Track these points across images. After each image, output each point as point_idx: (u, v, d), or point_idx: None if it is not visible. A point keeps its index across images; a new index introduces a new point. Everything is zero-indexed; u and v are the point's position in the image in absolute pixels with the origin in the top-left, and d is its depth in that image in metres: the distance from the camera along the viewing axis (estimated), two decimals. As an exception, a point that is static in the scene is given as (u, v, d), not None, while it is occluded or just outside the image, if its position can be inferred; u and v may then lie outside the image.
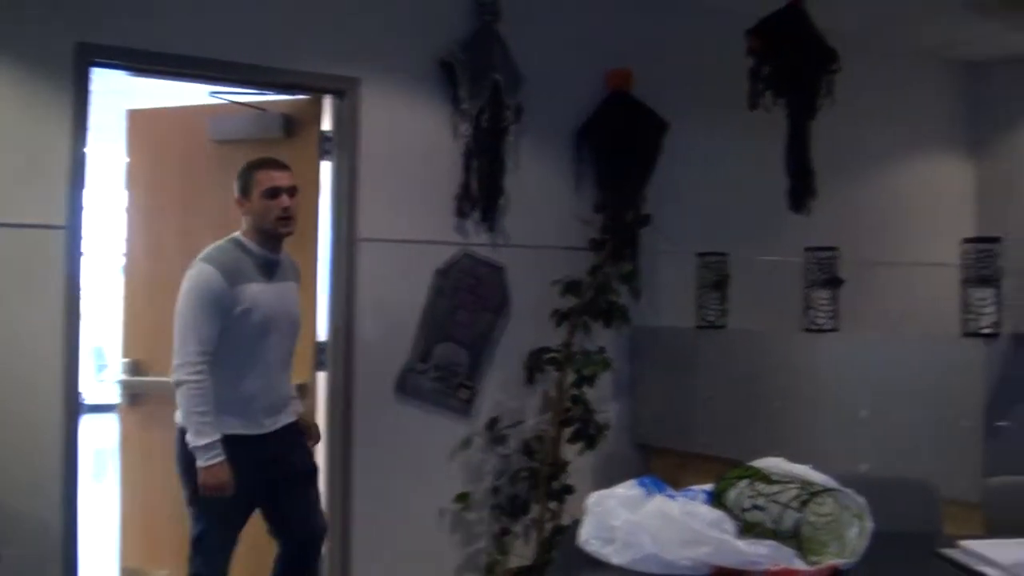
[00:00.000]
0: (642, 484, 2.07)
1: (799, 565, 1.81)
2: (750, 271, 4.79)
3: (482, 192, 4.49)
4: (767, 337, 4.46)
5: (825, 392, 4.03)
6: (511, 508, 4.52)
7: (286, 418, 3.45)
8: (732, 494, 2.00)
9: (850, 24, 5.28)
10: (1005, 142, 6.44)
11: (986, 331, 3.47)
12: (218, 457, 3.14)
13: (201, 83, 4.17)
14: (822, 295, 4.11)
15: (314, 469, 3.60)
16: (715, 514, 1.91)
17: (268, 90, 4.25)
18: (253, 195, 3.32)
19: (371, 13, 4.31)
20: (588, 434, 4.53)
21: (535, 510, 4.49)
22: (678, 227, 4.91)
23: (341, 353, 4.23)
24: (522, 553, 4.53)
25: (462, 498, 4.45)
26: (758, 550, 1.81)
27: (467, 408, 4.53)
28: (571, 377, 4.52)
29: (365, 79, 4.27)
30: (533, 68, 4.58)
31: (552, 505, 4.49)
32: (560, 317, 4.54)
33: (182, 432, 3.21)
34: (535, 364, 4.54)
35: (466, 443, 4.50)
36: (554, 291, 4.53)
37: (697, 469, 4.28)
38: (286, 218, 3.34)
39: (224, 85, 4.21)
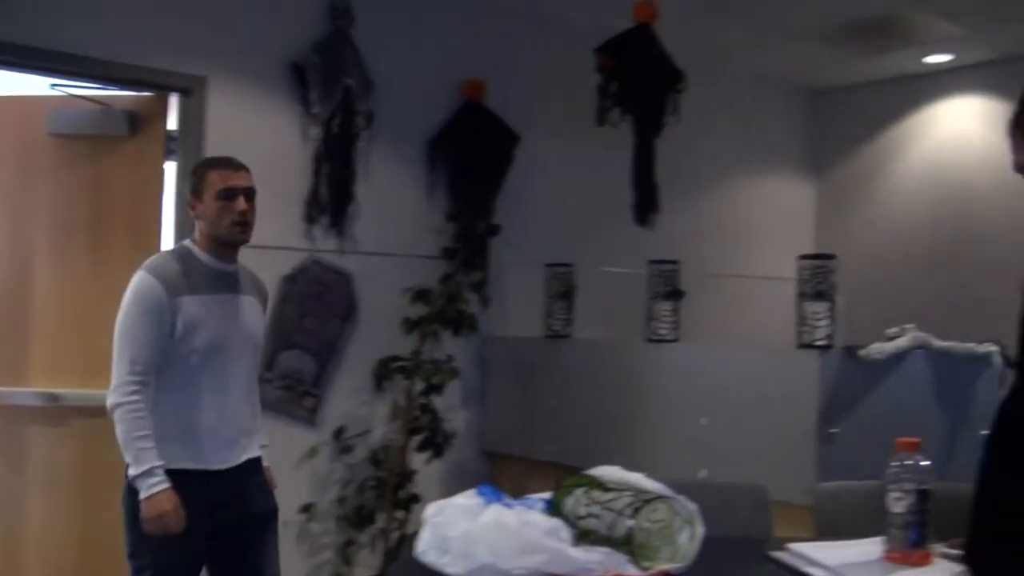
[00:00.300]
0: (481, 493, 2.07)
1: (631, 571, 1.84)
2: (596, 282, 4.87)
3: (331, 198, 4.44)
4: (611, 347, 4.55)
5: (667, 401, 4.13)
6: (357, 518, 4.46)
7: (246, 453, 3.00)
8: (569, 502, 2.02)
9: (702, 47, 5.47)
10: (844, 165, 6.78)
11: (820, 343, 3.62)
12: (161, 485, 2.71)
13: (42, 75, 3.97)
14: (664, 307, 4.21)
15: (273, 511, 3.15)
16: (551, 523, 1.93)
17: (112, 85, 4.08)
18: (206, 197, 2.93)
19: (221, 11, 4.20)
20: (436, 443, 4.54)
21: (382, 520, 4.46)
22: (527, 238, 4.97)
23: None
24: (368, 564, 4.48)
25: (307, 509, 4.37)
26: (591, 557, 1.83)
27: (312, 417, 4.46)
28: (420, 385, 4.51)
29: (213, 78, 4.16)
30: (386, 75, 4.56)
31: (399, 515, 4.46)
32: (410, 325, 4.53)
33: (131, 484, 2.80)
34: (384, 372, 4.52)
35: (312, 452, 4.42)
36: (404, 299, 4.51)
37: (543, 476, 4.31)
38: (243, 224, 2.93)
39: (66, 78, 4.02)
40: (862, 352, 3.55)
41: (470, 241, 4.71)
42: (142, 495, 2.70)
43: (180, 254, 2.96)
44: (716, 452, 3.84)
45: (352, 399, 4.57)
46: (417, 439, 4.50)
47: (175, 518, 2.72)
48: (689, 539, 1.94)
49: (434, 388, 4.51)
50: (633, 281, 4.42)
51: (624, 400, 4.28)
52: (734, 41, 5.61)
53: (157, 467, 2.72)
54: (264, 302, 3.16)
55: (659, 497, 1.95)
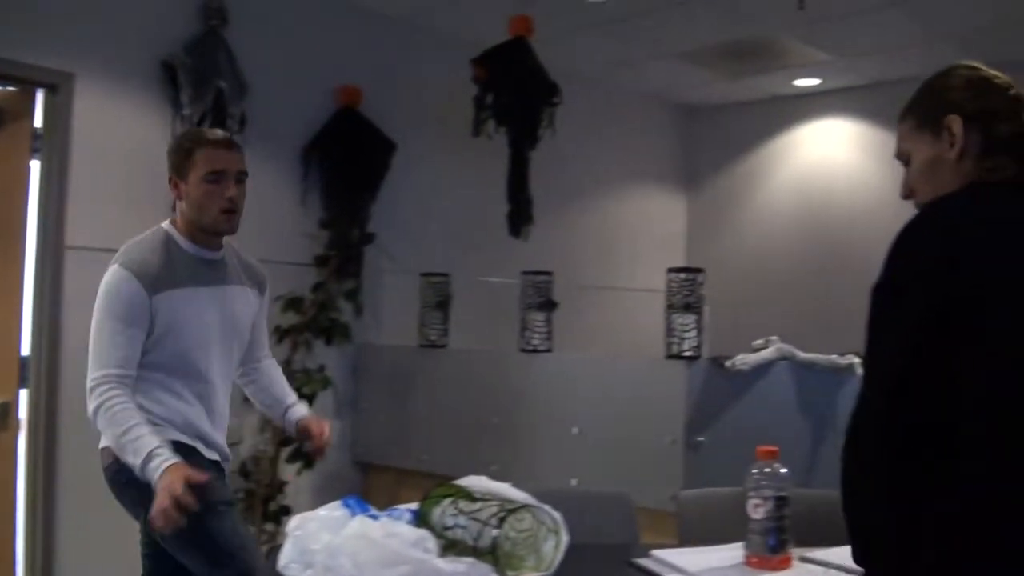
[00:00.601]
0: (346, 505, 2.04)
1: None
2: (472, 292, 4.88)
3: (202, 202, 4.31)
4: (486, 357, 4.55)
5: (540, 410, 4.16)
6: (225, 531, 4.35)
7: (220, 450, 2.73)
8: (436, 513, 2.01)
9: (579, 63, 5.55)
10: (715, 181, 6.96)
11: (688, 354, 3.69)
12: (169, 460, 2.34)
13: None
14: (537, 317, 4.24)
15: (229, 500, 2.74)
16: (416, 533, 1.91)
17: (-25, 79, 3.90)
18: (191, 178, 2.60)
19: (91, 7, 4.04)
20: (306, 454, 4.45)
21: (251, 533, 4.35)
22: (403, 246, 4.95)
23: (45, 370, 3.92)
24: (235, 578, 4.36)
25: (173, 522, 4.23)
26: (456, 568, 1.82)
27: (180, 427, 4.33)
28: (292, 395, 4.43)
29: (80, 75, 4.00)
30: (261, 78, 4.47)
31: (269, 527, 4.37)
32: (281, 334, 4.45)
33: (113, 468, 2.53)
34: (254, 382, 4.42)
35: (179, 464, 4.29)
36: (276, 307, 4.42)
37: (416, 486, 4.28)
38: (230, 211, 2.61)
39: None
40: (728, 363, 3.63)
41: (344, 249, 4.65)
42: (154, 482, 2.30)
43: (159, 241, 2.63)
44: (587, 461, 3.88)
45: (221, 409, 4.46)
46: (288, 450, 4.42)
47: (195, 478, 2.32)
48: (554, 547, 1.95)
49: (306, 398, 4.43)
50: (508, 291, 4.44)
51: (498, 409, 4.29)
52: (611, 58, 5.72)
53: (158, 448, 2.36)
54: (261, 289, 2.87)
55: (524, 506, 1.95)
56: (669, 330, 3.72)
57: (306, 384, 4.42)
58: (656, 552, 2.13)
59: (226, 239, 2.74)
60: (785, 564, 2.05)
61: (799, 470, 3.74)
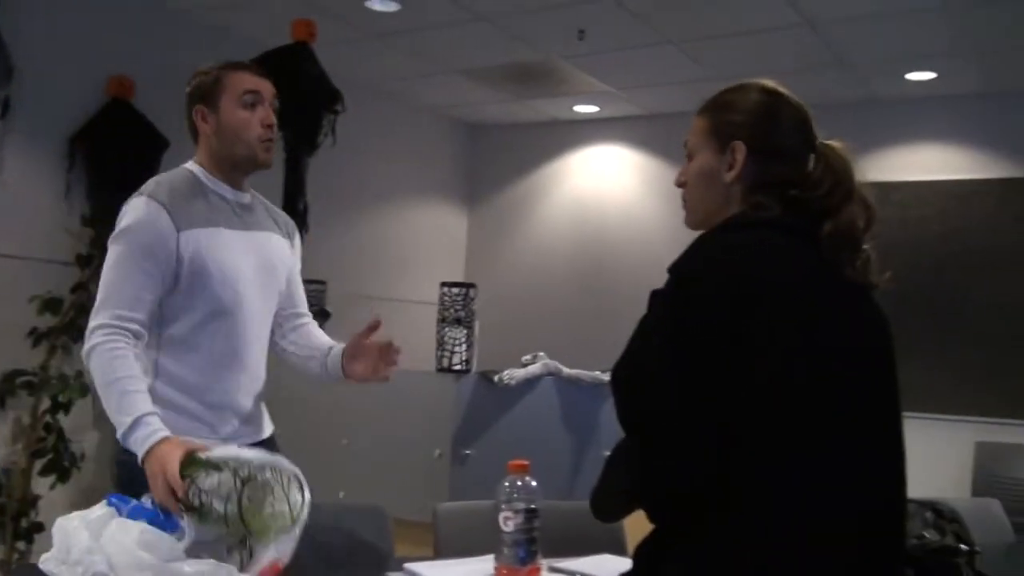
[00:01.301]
0: (110, 504, 1.93)
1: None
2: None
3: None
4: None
5: (309, 422, 4.10)
6: (-29, 549, 4.07)
7: (266, 428, 2.46)
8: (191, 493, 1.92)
9: (367, 73, 5.54)
10: (496, 198, 7.09)
11: (457, 367, 3.74)
12: (160, 433, 1.98)
13: None
14: (310, 326, 4.19)
15: None
16: (164, 536, 1.84)
17: None
18: (223, 103, 2.30)
19: None
20: (62, 466, 4.22)
21: (1, 551, 4.07)
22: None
23: None
24: (-20, 598, 4.08)
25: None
26: (199, 569, 1.77)
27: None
28: (46, 403, 4.19)
29: None
30: (30, 62, 4.23)
31: (20, 545, 4.12)
32: (37, 337, 4.20)
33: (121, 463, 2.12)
34: (7, 388, 4.17)
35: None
36: (31, 308, 4.17)
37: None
38: (268, 140, 2.32)
39: None
40: (496, 377, 3.71)
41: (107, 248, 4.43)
42: (140, 455, 1.97)
43: (182, 179, 2.29)
44: (356, 473, 3.86)
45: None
46: (41, 462, 4.19)
47: (172, 473, 1.92)
48: (300, 503, 1.88)
49: (61, 406, 4.20)
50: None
51: (272, 421, 4.20)
52: (397, 70, 5.74)
53: (148, 415, 2.02)
54: (292, 239, 2.51)
55: (260, 468, 1.90)
56: (440, 343, 3.77)
57: (62, 391, 4.19)
58: (408, 565, 2.14)
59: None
60: (534, 575, 2.10)
61: (562, 482, 3.87)
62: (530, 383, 3.83)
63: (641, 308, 1.58)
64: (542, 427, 3.87)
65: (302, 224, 4.56)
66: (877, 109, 5.78)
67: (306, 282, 4.18)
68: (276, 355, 2.54)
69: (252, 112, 2.30)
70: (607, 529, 2.41)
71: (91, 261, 4.37)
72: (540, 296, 6.70)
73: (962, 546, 2.59)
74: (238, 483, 1.86)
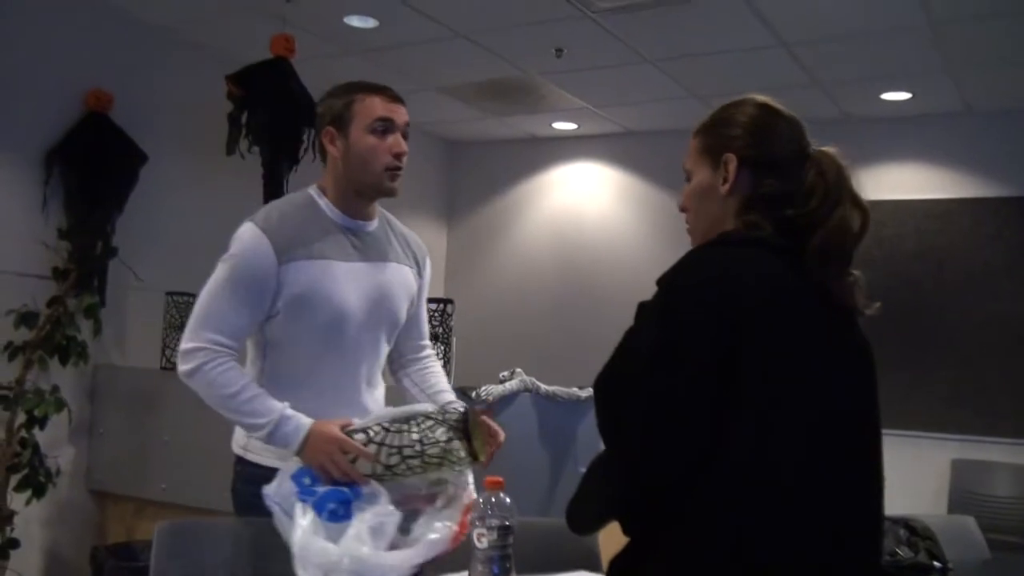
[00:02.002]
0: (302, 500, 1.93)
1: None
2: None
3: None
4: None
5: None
6: (-56, 567, 4.02)
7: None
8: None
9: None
10: (475, 214, 7.11)
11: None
12: (306, 422, 2.08)
13: None
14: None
15: None
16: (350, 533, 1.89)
17: None
18: (352, 128, 2.27)
19: None
20: (37, 481, 4.18)
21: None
22: (149, 263, 4.73)
23: None
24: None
25: None
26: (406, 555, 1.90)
27: None
28: (21, 418, 4.16)
29: None
30: (7, 73, 4.23)
31: (-5, 560, 4.07)
32: (12, 351, 4.17)
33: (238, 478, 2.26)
34: (-19, 402, 4.12)
35: None
36: (7, 322, 4.14)
37: (155, 517, 4.10)
38: (396, 169, 2.28)
39: None
40: (474, 393, 3.70)
41: (85, 262, 4.40)
42: (295, 447, 2.05)
43: (302, 205, 2.31)
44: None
45: (-60, 431, 4.13)
46: (16, 477, 4.15)
47: (339, 449, 2.02)
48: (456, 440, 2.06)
49: (37, 421, 4.17)
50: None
51: (243, 436, 4.18)
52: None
53: (286, 410, 2.10)
54: (420, 267, 2.49)
55: (412, 416, 2.04)
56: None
57: (38, 406, 4.15)
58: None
59: (380, 209, 2.43)
60: (509, 591, 2.10)
61: (538, 498, 3.87)
62: (507, 399, 3.83)
63: (618, 324, 1.59)
64: (519, 444, 3.86)
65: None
66: (853, 128, 5.83)
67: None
68: (396, 383, 2.59)
69: (382, 139, 2.27)
70: (582, 546, 2.41)
71: (68, 275, 4.35)
72: (518, 312, 6.72)
73: (935, 563, 2.62)
74: (414, 432, 1.98)
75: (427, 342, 2.63)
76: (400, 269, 2.39)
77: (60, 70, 4.50)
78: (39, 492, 4.20)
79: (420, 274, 2.48)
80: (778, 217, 1.61)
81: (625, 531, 1.59)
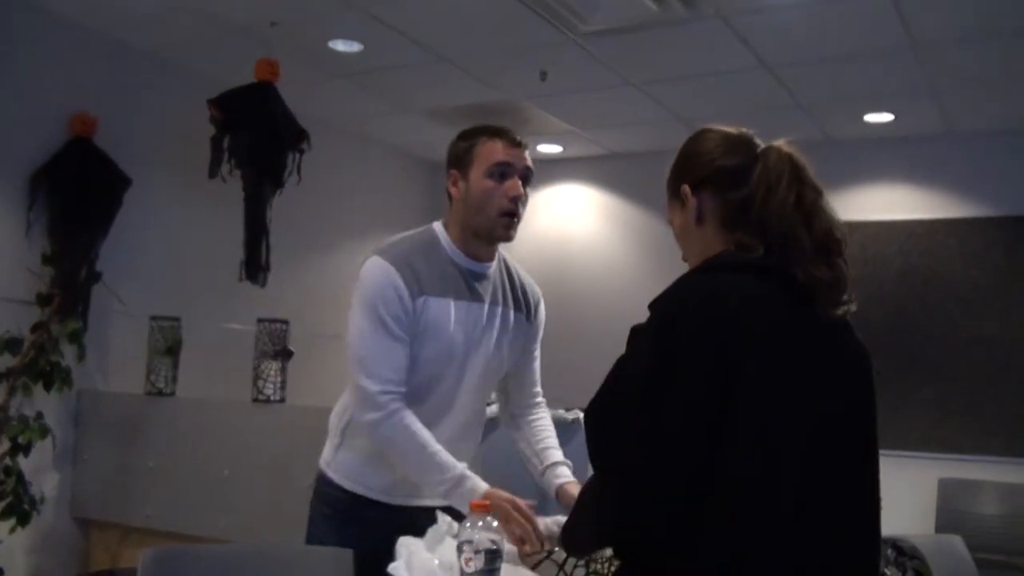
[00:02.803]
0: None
1: None
2: (206, 338, 4.72)
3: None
4: (215, 406, 4.38)
5: (273, 461, 4.06)
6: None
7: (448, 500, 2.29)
8: None
9: (330, 112, 5.56)
10: (459, 236, 7.10)
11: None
12: (481, 484, 2.20)
13: None
14: (272, 365, 4.16)
15: None
16: None
17: None
18: (472, 172, 2.32)
19: None
20: (21, 509, 4.14)
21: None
22: (133, 287, 4.70)
23: None
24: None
25: None
26: None
27: None
28: (5, 445, 4.12)
29: None
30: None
31: (-23, 591, 4.02)
32: (-3, 377, 4.15)
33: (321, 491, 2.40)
34: (-36, 430, 4.09)
35: None
36: (-10, 349, 4.12)
37: (140, 544, 4.08)
38: (511, 214, 2.30)
39: None
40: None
41: (69, 287, 4.37)
42: (468, 506, 2.05)
43: (424, 241, 2.35)
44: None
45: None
46: (0, 505, 4.10)
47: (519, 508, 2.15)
48: None
49: (21, 448, 4.13)
50: (243, 338, 4.33)
51: (228, 461, 4.15)
52: (360, 109, 5.76)
53: (466, 471, 2.20)
54: (531, 314, 2.55)
55: None
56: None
57: (22, 433, 4.12)
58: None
59: (501, 253, 2.47)
60: (496, 615, 2.09)
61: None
62: (494, 422, 3.81)
63: (604, 346, 1.59)
64: (505, 466, 3.84)
65: (263, 265, 4.55)
66: (835, 150, 5.86)
67: (269, 321, 4.20)
68: (510, 437, 2.67)
69: (500, 183, 2.30)
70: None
71: (52, 300, 4.31)
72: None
73: (922, 583, 2.62)
74: None
75: (539, 390, 2.69)
76: (511, 314, 2.45)
77: (45, 94, 4.49)
78: (23, 520, 4.15)
79: (530, 320, 2.55)
80: (762, 230, 1.61)
81: (618, 555, 1.58)
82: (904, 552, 2.64)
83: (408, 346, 2.24)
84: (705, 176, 1.68)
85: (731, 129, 1.74)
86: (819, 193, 1.61)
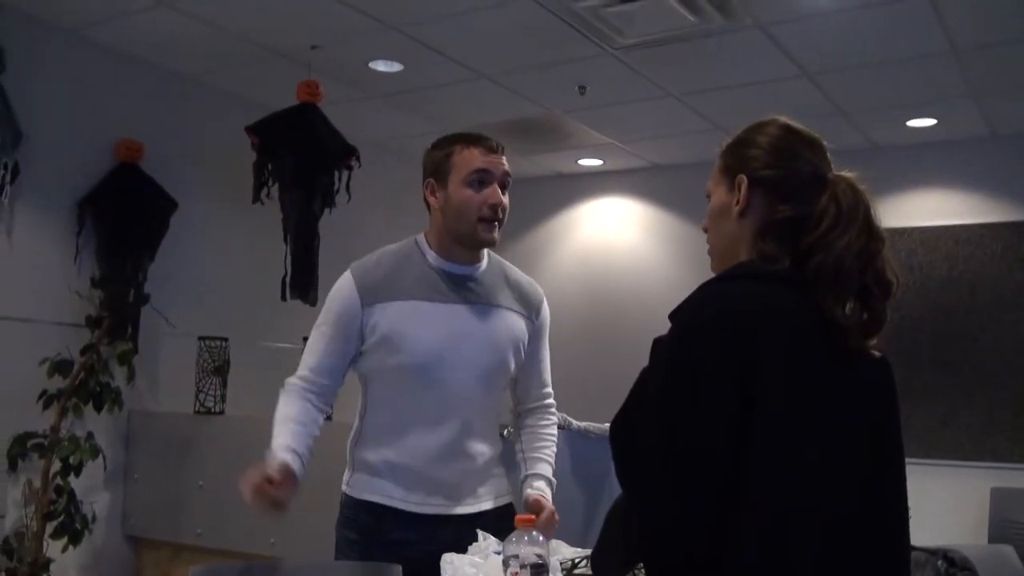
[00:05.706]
0: None
1: None
2: (253, 357, 4.77)
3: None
4: (264, 424, 4.40)
5: (321, 479, 4.07)
6: (-17, 615, 4.04)
7: (471, 503, 2.38)
8: None
9: (373, 131, 5.61)
10: (501, 252, 6.84)
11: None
12: (277, 457, 2.30)
13: None
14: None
15: None
16: None
17: None
18: (451, 180, 2.34)
19: None
20: (74, 528, 4.21)
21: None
22: (181, 309, 4.77)
23: None
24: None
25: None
26: None
27: (-73, 500, 4.01)
28: (57, 465, 4.19)
29: None
30: (38, 127, 4.29)
31: (32, 611, 4.08)
32: (48, 399, 4.22)
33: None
34: (18, 451, 4.15)
35: (-73, 541, 3.96)
36: (42, 370, 4.19)
37: (191, 561, 4.13)
38: (491, 220, 2.34)
39: None
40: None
41: (118, 310, 4.46)
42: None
43: (400, 251, 2.44)
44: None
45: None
46: (53, 524, 4.18)
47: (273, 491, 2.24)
48: None
49: (72, 468, 4.20)
50: (290, 357, 4.36)
51: (276, 479, 4.18)
52: (403, 129, 5.79)
53: (281, 456, 2.30)
54: (531, 314, 2.55)
55: None
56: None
57: (73, 453, 4.19)
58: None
59: (495, 255, 2.53)
60: (543, 630, 2.09)
61: (573, 536, 3.83)
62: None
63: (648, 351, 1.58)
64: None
65: (312, 284, 4.59)
66: (879, 156, 5.81)
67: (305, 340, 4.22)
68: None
69: (478, 191, 2.32)
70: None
71: (101, 323, 4.40)
72: (549, 348, 6.70)
73: (975, 594, 2.58)
74: None
75: (548, 391, 2.65)
76: (507, 314, 2.44)
77: (90, 121, 4.59)
78: (75, 539, 4.23)
79: (533, 320, 2.54)
80: (793, 244, 1.58)
81: (649, 573, 1.57)
82: (955, 563, 2.61)
83: (343, 346, 2.33)
84: (764, 177, 1.63)
85: (802, 129, 1.69)
86: (883, 242, 1.58)
